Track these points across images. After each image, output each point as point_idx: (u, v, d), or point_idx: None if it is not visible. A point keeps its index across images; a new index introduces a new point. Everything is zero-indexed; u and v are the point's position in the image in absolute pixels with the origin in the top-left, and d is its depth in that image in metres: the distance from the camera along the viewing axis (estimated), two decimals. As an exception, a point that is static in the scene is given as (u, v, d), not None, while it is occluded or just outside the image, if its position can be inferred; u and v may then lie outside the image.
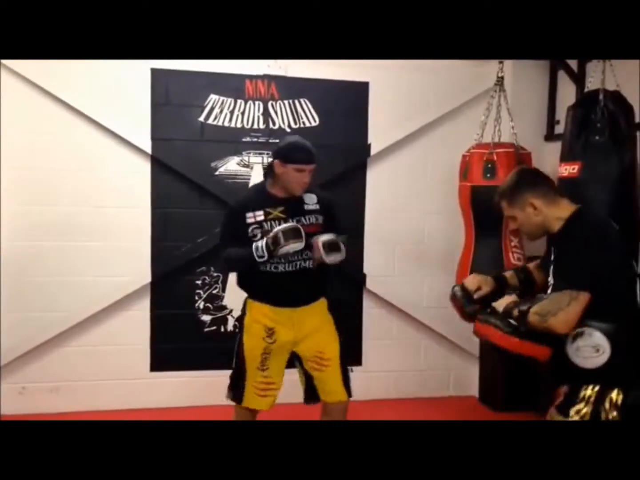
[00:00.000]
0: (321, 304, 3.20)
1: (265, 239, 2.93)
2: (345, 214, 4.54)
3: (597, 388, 2.25)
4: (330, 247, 2.96)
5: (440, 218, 4.73)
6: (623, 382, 2.24)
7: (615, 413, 2.21)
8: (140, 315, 4.47)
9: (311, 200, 3.13)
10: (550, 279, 2.41)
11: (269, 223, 3.02)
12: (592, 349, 2.23)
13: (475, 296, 2.58)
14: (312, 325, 3.13)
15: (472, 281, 2.62)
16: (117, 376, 4.44)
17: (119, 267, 4.39)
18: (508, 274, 2.69)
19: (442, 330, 4.81)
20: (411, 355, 4.86)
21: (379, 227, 4.70)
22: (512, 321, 2.35)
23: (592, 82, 3.41)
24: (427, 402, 4.76)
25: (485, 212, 3.92)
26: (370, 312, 4.77)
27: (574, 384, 2.31)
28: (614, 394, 2.23)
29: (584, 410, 2.25)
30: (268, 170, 3.14)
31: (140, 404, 4.38)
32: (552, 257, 2.42)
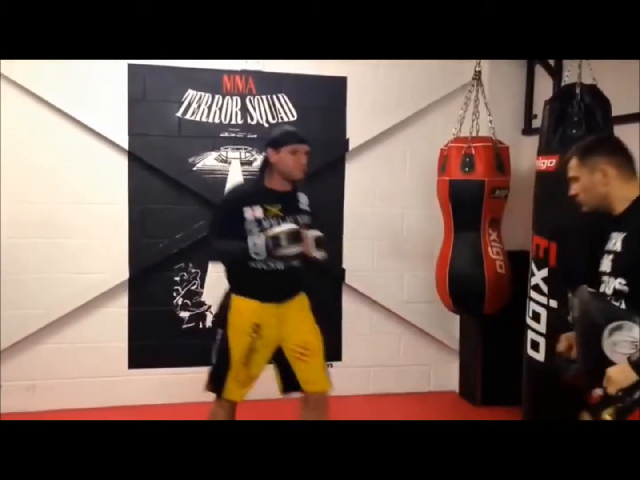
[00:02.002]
0: (303, 299, 3.21)
1: (264, 238, 2.92)
2: (324, 209, 4.60)
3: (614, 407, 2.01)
4: (318, 243, 3.01)
5: (419, 212, 4.73)
6: None
7: None
8: (118, 312, 4.43)
9: (304, 201, 3.16)
10: (607, 271, 2.22)
11: (267, 221, 3.01)
12: (631, 344, 2.02)
13: (573, 357, 2.37)
14: (295, 320, 3.14)
15: (562, 344, 2.45)
16: (95, 374, 4.40)
17: (96, 264, 4.35)
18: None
19: (422, 325, 4.82)
20: (391, 350, 4.86)
21: (358, 222, 4.69)
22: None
23: (568, 77, 3.42)
24: (407, 398, 4.77)
25: (464, 206, 3.95)
26: (350, 308, 4.77)
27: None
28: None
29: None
30: (264, 164, 3.12)
31: (118, 402, 4.34)
32: (613, 246, 2.25)
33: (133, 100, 4.35)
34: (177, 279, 4.50)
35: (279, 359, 3.16)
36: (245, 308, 3.08)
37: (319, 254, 3.02)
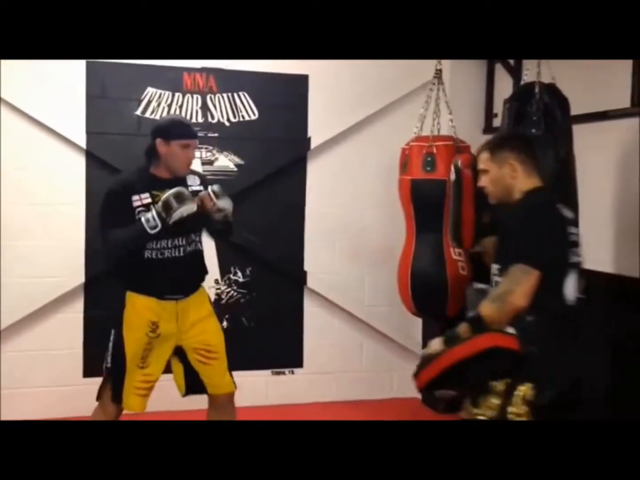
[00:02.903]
0: (203, 295, 3.14)
1: (154, 208, 2.81)
2: (284, 209, 4.58)
3: (508, 381, 2.20)
4: (217, 194, 2.93)
5: (380, 212, 4.70)
6: (535, 378, 2.19)
7: (525, 408, 2.18)
8: (73, 317, 4.30)
9: (195, 182, 3.08)
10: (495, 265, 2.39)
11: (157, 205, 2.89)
12: None
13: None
14: (195, 317, 3.05)
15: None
16: (48, 383, 4.25)
17: (51, 267, 4.23)
18: (462, 328, 2.35)
19: (384, 329, 4.77)
20: (353, 355, 4.80)
21: (320, 222, 4.64)
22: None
23: (528, 75, 3.43)
24: (369, 404, 4.69)
25: (425, 205, 3.92)
26: (311, 311, 4.70)
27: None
28: (524, 389, 2.18)
29: (495, 403, 2.20)
30: (150, 152, 3.01)
31: (73, 412, 4.12)
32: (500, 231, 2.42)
33: (91, 97, 4.26)
34: (135, 281, 4.39)
35: (181, 359, 3.07)
36: (141, 306, 2.97)
37: (224, 203, 2.92)
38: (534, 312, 2.22)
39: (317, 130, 4.58)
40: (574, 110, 3.30)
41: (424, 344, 4.71)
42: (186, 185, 2.98)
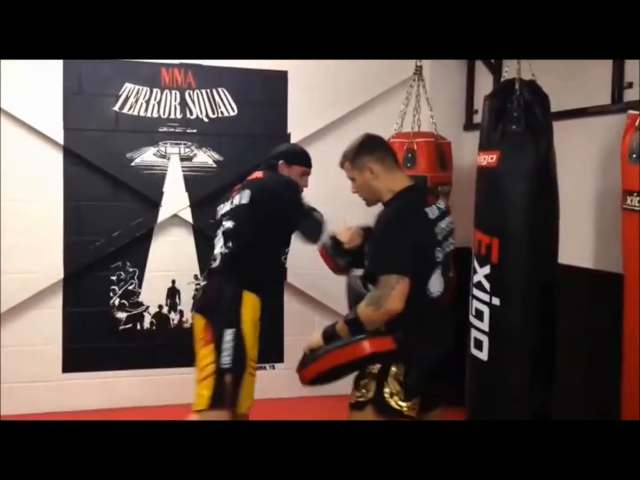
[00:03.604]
0: None
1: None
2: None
3: (378, 365, 2.35)
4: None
5: (361, 208, 4.61)
6: (403, 358, 2.33)
7: (399, 387, 2.34)
8: (52, 313, 4.28)
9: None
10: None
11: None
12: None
13: (347, 247, 2.71)
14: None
15: (345, 234, 2.75)
16: (27, 379, 4.22)
17: (29, 263, 4.19)
18: (339, 326, 2.52)
19: (365, 324, 4.76)
20: (335, 349, 4.79)
21: (300, 218, 4.62)
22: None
23: (508, 72, 3.43)
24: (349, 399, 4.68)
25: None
26: (292, 307, 4.70)
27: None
28: (395, 370, 2.33)
29: (372, 385, 2.36)
30: (273, 169, 3.22)
31: (52, 408, 4.16)
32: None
33: (68, 93, 4.22)
34: (113, 278, 4.37)
35: None
36: (254, 304, 3.03)
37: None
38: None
39: (297, 126, 4.57)
40: (555, 107, 3.31)
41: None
42: None
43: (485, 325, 3.29)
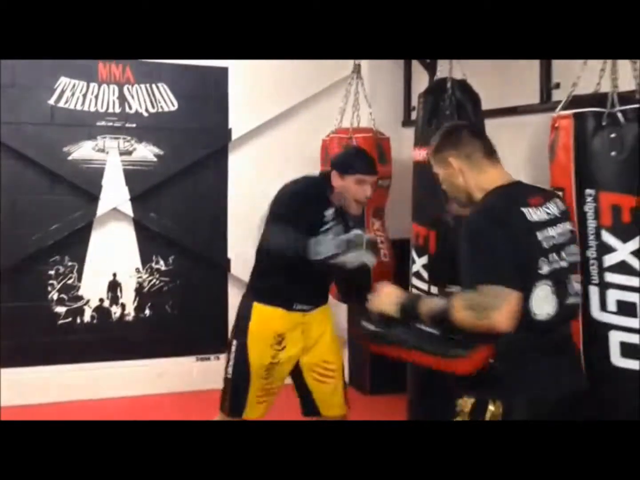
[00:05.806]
0: (327, 309, 3.01)
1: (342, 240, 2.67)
2: (207, 199, 4.59)
3: (472, 400, 1.99)
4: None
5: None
6: (501, 394, 1.96)
7: None
8: (-12, 308, 4.20)
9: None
10: None
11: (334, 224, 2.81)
12: None
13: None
14: (319, 332, 2.93)
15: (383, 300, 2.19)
16: (-36, 375, 4.14)
17: (-38, 259, 4.11)
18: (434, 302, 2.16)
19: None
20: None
21: (242, 211, 4.62)
22: (422, 327, 2.04)
23: (441, 71, 3.53)
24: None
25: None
26: (236, 299, 4.70)
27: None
28: (492, 407, 1.94)
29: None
30: (328, 179, 2.86)
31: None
32: None
33: (2, 86, 4.14)
34: (52, 272, 4.32)
35: (294, 375, 2.96)
36: (267, 317, 2.83)
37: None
38: None
39: (238, 121, 4.59)
40: (486, 105, 3.44)
41: (349, 332, 4.81)
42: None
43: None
